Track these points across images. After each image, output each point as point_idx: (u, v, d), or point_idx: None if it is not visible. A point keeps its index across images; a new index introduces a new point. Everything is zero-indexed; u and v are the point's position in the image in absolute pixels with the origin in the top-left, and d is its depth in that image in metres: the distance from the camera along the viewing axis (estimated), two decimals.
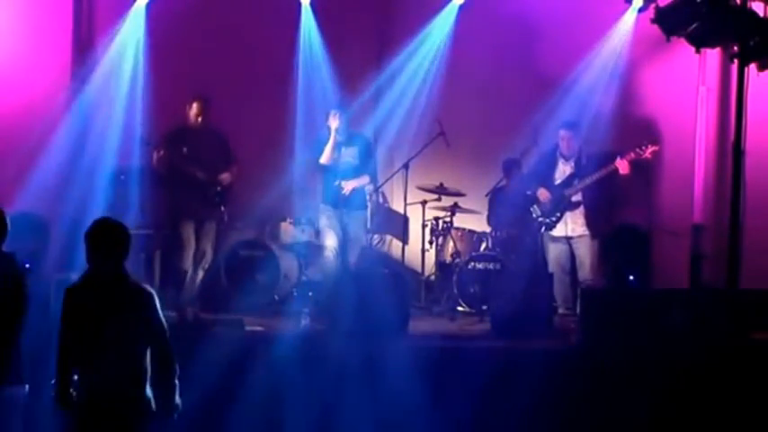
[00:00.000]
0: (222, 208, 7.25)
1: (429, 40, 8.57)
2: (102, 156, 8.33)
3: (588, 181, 7.15)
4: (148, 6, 8.25)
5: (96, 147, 8.60)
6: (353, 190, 7.21)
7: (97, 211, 7.68)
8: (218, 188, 7.18)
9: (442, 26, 8.60)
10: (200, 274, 7.33)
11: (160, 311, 4.06)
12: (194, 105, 7.20)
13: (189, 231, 7.20)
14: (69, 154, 8.55)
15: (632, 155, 7.00)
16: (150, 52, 8.51)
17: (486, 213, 8.25)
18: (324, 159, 7.21)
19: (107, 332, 3.93)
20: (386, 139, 8.67)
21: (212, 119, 7.47)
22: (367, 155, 7.37)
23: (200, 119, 7.21)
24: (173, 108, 7.44)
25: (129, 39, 8.25)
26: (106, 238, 4.04)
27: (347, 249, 7.17)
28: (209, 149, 7.25)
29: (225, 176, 7.21)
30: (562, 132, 7.32)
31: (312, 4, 8.75)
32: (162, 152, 7.08)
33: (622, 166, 7.00)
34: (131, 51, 8.21)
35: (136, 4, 8.30)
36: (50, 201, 7.84)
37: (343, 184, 7.19)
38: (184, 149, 7.15)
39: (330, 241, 7.21)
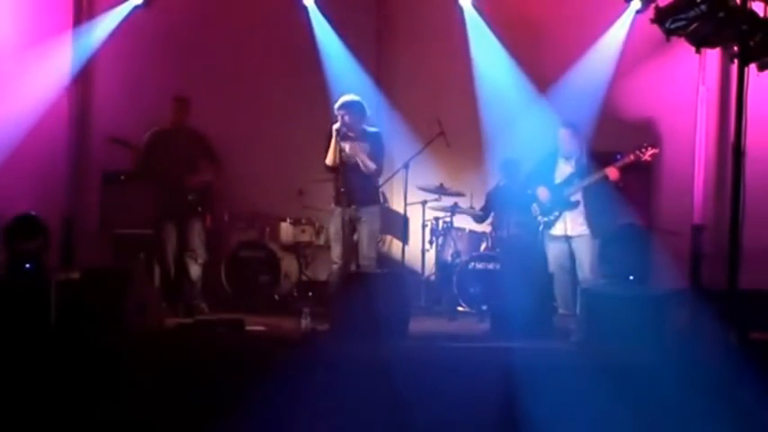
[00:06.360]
0: (199, 208, 7.32)
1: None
2: (101, 156, 8.36)
3: (585, 183, 7.14)
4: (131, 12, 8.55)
5: (94, 147, 8.62)
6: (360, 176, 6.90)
7: (96, 211, 7.72)
8: (191, 190, 7.27)
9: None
10: (196, 269, 7.36)
11: None
12: (172, 106, 7.34)
13: (168, 231, 7.29)
14: (68, 154, 8.56)
15: (631, 157, 6.98)
16: (147, 55, 8.55)
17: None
18: (328, 160, 6.86)
19: None
20: (386, 138, 8.69)
21: (209, 120, 7.53)
22: (376, 151, 7.00)
23: (178, 118, 7.34)
24: (164, 112, 7.46)
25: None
26: None
27: (362, 246, 6.87)
28: (187, 150, 7.33)
29: (193, 180, 7.28)
30: (560, 132, 7.32)
31: (316, 4, 8.79)
32: (138, 154, 7.22)
33: (612, 172, 6.99)
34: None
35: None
36: (50, 201, 7.85)
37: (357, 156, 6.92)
38: (161, 151, 7.25)
39: (336, 250, 6.90)
